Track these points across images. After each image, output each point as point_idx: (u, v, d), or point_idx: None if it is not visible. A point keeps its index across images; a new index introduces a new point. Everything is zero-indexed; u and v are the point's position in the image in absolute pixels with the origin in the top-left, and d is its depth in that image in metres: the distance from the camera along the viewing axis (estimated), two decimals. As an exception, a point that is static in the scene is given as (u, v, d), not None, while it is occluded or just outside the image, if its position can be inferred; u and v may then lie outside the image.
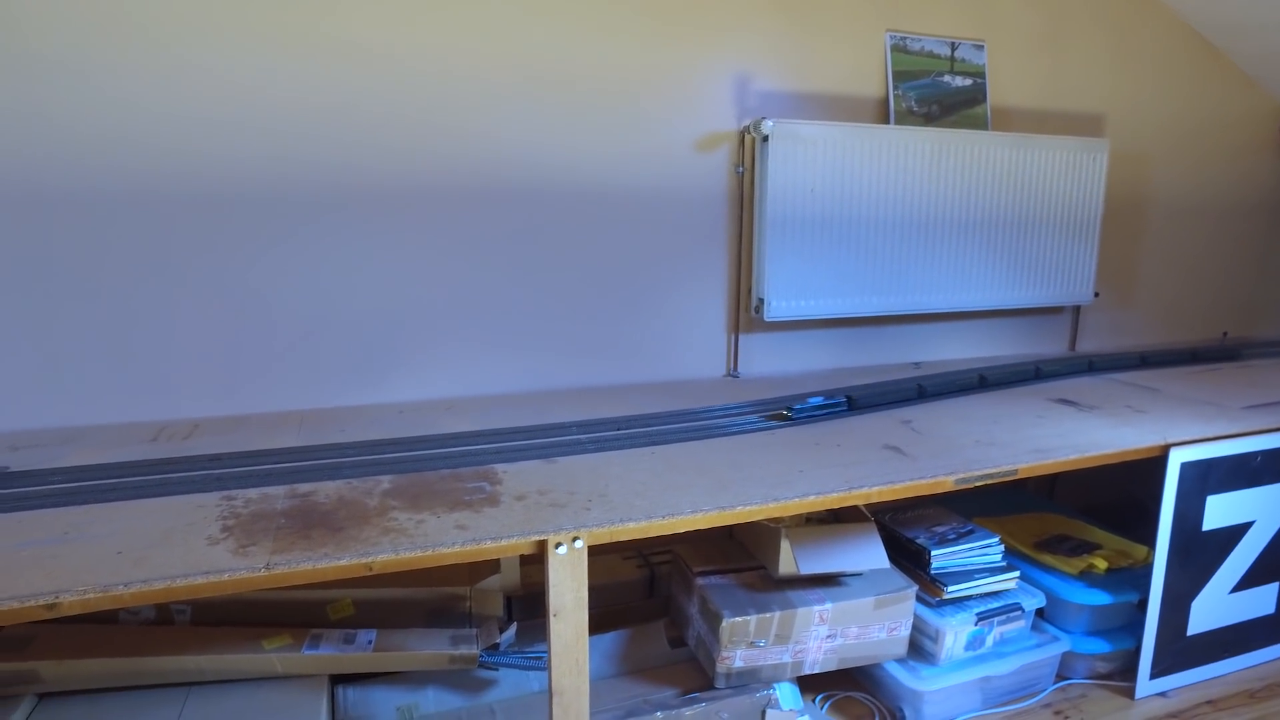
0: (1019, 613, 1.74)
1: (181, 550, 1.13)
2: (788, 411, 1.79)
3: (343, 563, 1.11)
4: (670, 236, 2.07)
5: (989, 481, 1.48)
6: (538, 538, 1.20)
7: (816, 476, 1.42)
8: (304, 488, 1.36)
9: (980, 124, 2.30)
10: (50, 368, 1.66)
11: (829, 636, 1.64)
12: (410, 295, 1.86)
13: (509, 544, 1.19)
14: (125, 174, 1.62)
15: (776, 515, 1.35)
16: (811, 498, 1.35)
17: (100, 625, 1.48)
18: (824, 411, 1.82)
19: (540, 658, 1.57)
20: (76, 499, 1.29)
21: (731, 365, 2.19)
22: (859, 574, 1.71)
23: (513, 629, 1.61)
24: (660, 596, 1.94)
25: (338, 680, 1.56)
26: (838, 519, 1.77)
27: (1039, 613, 1.84)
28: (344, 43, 1.72)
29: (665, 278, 2.08)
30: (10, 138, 1.55)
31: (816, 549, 1.67)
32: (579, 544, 1.23)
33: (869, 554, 1.67)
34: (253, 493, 1.33)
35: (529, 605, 1.80)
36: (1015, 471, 1.51)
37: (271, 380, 1.78)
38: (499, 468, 1.45)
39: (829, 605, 1.63)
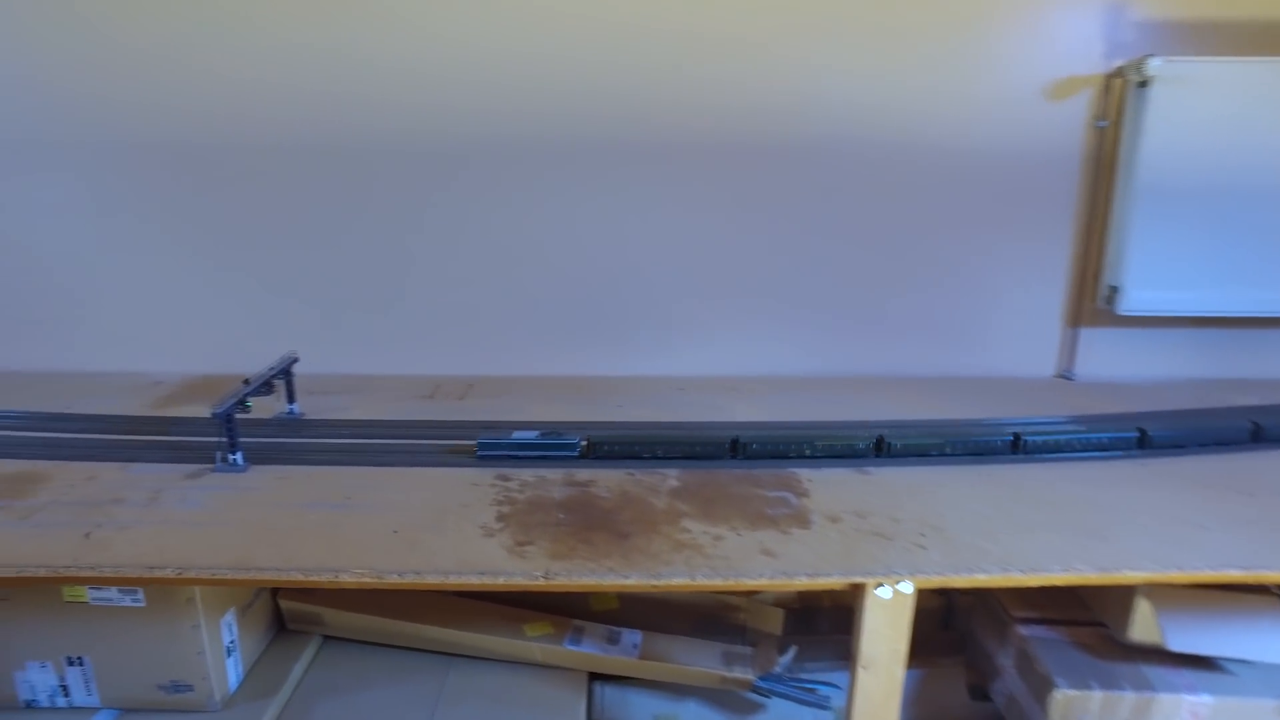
0: None
1: (455, 538, 1.01)
2: (1147, 433, 1.40)
3: (629, 581, 0.94)
4: (997, 203, 1.70)
5: None
6: (859, 579, 0.96)
7: (1228, 538, 1.05)
8: (582, 474, 1.21)
9: None
10: (340, 315, 1.66)
11: (1201, 736, 1.26)
12: (694, 259, 1.67)
13: (824, 581, 0.96)
14: (413, 125, 1.56)
15: (1172, 582, 1.01)
16: (1234, 572, 0.99)
17: (373, 581, 1.46)
18: (1209, 440, 1.40)
19: (823, 693, 1.34)
20: (359, 459, 1.24)
21: (1065, 364, 1.80)
22: (1249, 663, 1.31)
23: (791, 653, 1.40)
24: (957, 630, 1.63)
25: (595, 675, 1.43)
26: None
27: None
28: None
29: (987, 252, 1.73)
30: (325, 84, 1.54)
31: (1189, 618, 1.29)
32: (906, 588, 0.98)
33: (1273, 640, 1.26)
34: (528, 474, 1.21)
35: (805, 618, 1.57)
36: None
37: (547, 341, 1.68)
38: (803, 474, 1.23)
39: (1205, 698, 1.24)
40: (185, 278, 1.66)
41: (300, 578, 0.94)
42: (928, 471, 1.24)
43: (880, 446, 1.29)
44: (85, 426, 1.38)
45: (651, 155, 1.60)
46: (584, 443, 1.26)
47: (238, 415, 1.21)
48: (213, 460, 1.23)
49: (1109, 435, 1.38)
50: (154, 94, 1.55)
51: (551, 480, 1.19)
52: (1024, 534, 1.05)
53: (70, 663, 1.22)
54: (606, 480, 1.19)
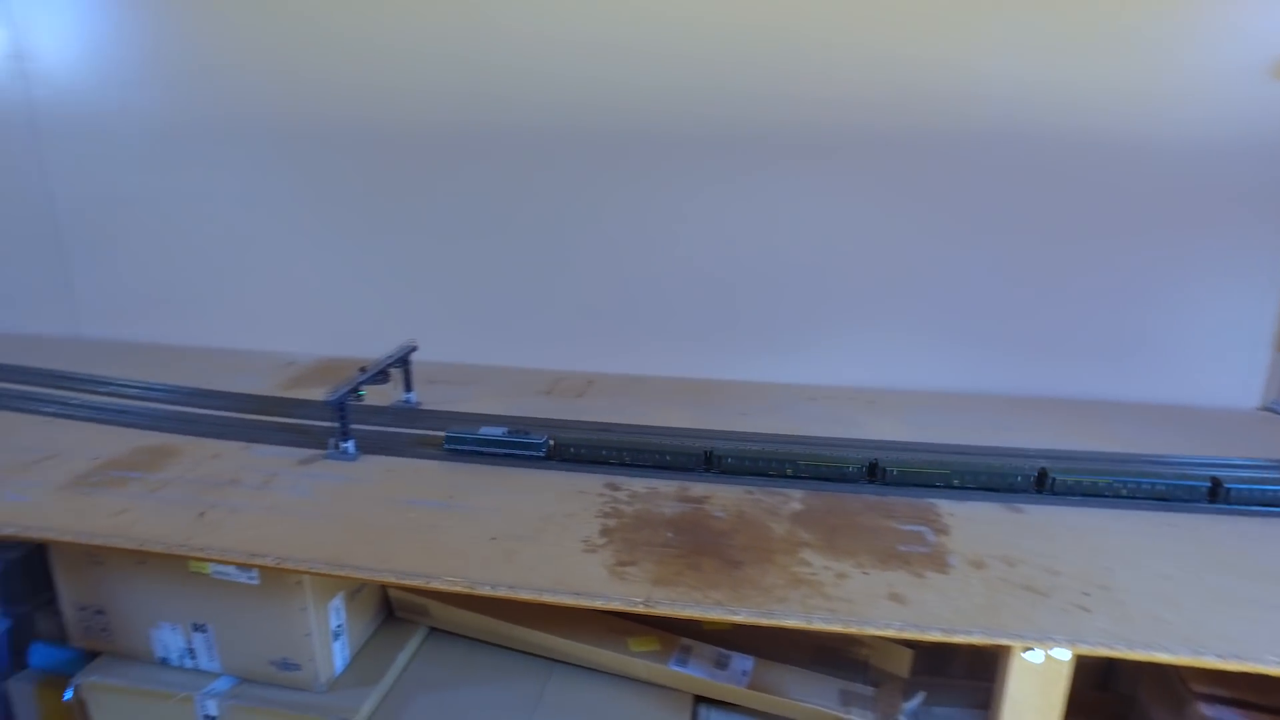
0: None
1: (555, 550, 0.95)
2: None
3: (737, 617, 0.84)
4: (1194, 200, 1.46)
5: None
6: (1005, 641, 0.82)
7: None
8: (697, 489, 1.12)
9: None
10: (465, 303, 1.65)
11: None
12: (836, 258, 1.53)
13: (962, 639, 0.83)
14: (551, 115, 1.51)
15: None
16: None
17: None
18: None
19: (953, 753, 1.20)
20: (475, 457, 1.20)
21: (1276, 395, 1.54)
22: None
23: (919, 699, 1.26)
24: (1117, 693, 1.43)
25: (700, 699, 1.34)
26: None
27: None
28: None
29: (1180, 259, 1.49)
30: (468, 74, 1.51)
31: None
32: (1062, 655, 0.83)
33: None
34: (639, 484, 1.13)
35: (936, 659, 1.42)
36: None
37: (671, 340, 1.60)
38: (942, 505, 1.08)
39: None
40: (325, 261, 1.69)
41: (393, 580, 0.91)
42: (1097, 515, 1.07)
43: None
44: (219, 403, 1.42)
45: (793, 146, 1.48)
46: (550, 442, 1.19)
47: (352, 403, 1.20)
48: (326, 446, 1.22)
49: (1332, 486, 1.14)
50: (305, 83, 1.59)
51: (664, 494, 1.11)
52: (1220, 606, 0.87)
53: (195, 628, 1.25)
54: (723, 498, 1.10)
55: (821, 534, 1.00)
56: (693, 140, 1.48)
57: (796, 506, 1.08)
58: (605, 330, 1.61)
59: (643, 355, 1.61)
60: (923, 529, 1.02)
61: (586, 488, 1.11)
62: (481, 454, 1.21)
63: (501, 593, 0.88)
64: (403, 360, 1.37)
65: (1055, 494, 1.12)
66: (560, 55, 1.48)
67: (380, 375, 1.26)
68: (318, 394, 1.45)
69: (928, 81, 1.42)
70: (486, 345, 1.66)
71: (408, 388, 1.40)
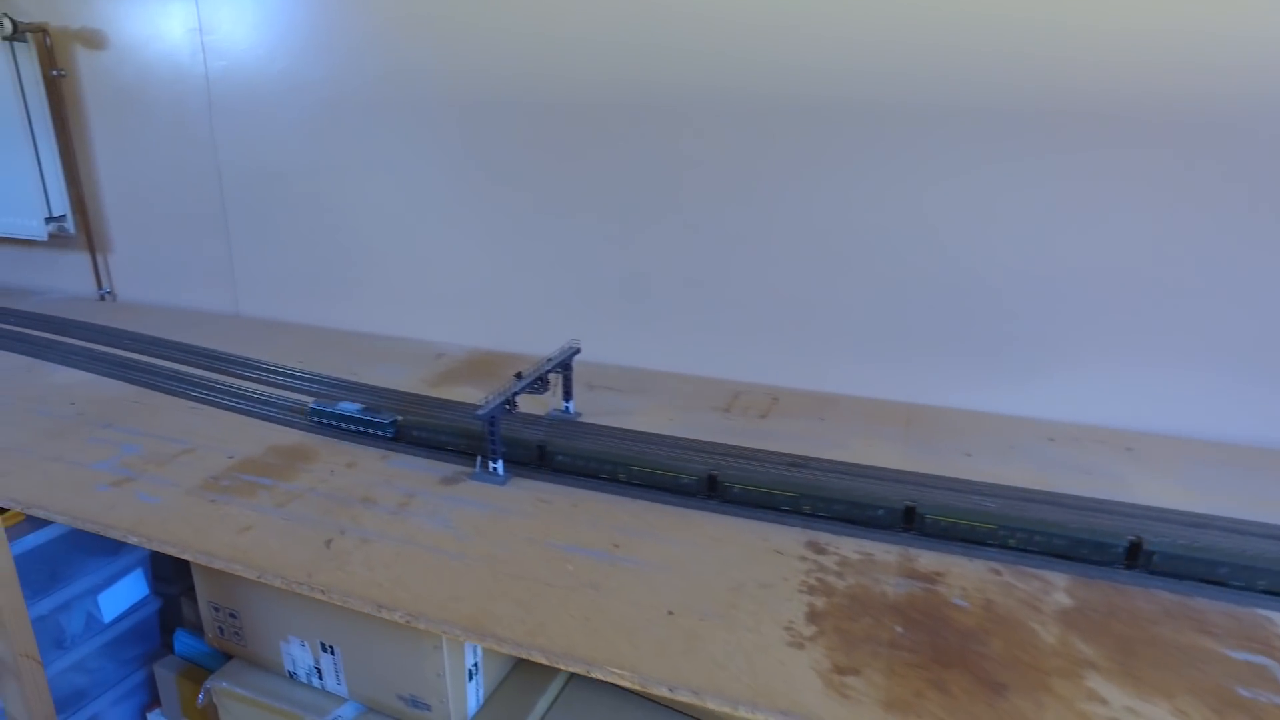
0: None
1: (750, 640, 0.73)
2: None
3: (1015, 783, 0.59)
4: None
5: None
6: None
7: None
8: (925, 559, 0.87)
9: None
10: (635, 299, 1.44)
11: None
12: (1086, 263, 1.21)
13: None
14: (739, 89, 1.27)
15: None
16: None
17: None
18: None
19: None
20: (639, 491, 1.00)
21: None
22: None
23: None
24: None
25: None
26: None
27: None
28: None
29: None
30: (636, 53, 1.31)
31: None
32: None
33: None
34: (849, 546, 0.89)
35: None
36: None
37: (874, 354, 1.33)
38: (1283, 623, 0.78)
39: None
40: (483, 245, 1.54)
41: (544, 660, 0.72)
42: None
43: None
44: (362, 398, 1.29)
45: (1041, 123, 1.17)
46: (398, 419, 1.15)
47: (505, 414, 1.02)
48: (473, 462, 1.06)
49: None
50: (473, 54, 1.43)
51: (882, 563, 0.86)
52: None
53: (324, 648, 1.13)
54: (961, 576, 0.84)
55: (1110, 650, 0.73)
56: (919, 116, 1.21)
57: (1063, 600, 0.80)
58: (796, 337, 1.36)
59: (838, 370, 1.35)
60: (1259, 658, 0.72)
61: (783, 545, 0.89)
62: (338, 429, 1.19)
63: (683, 697, 0.67)
64: (564, 365, 1.18)
65: None
66: (740, 23, 1.24)
67: (538, 383, 1.08)
68: (466, 394, 1.30)
69: (1217, 52, 1.07)
70: (656, 348, 1.45)
71: (567, 395, 1.22)
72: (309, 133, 1.62)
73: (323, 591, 0.80)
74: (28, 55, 1.80)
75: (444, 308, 1.61)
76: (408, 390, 1.33)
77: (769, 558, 0.86)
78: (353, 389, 1.34)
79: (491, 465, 1.02)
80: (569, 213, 1.45)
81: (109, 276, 2.01)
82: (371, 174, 1.59)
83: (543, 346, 1.52)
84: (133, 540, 0.92)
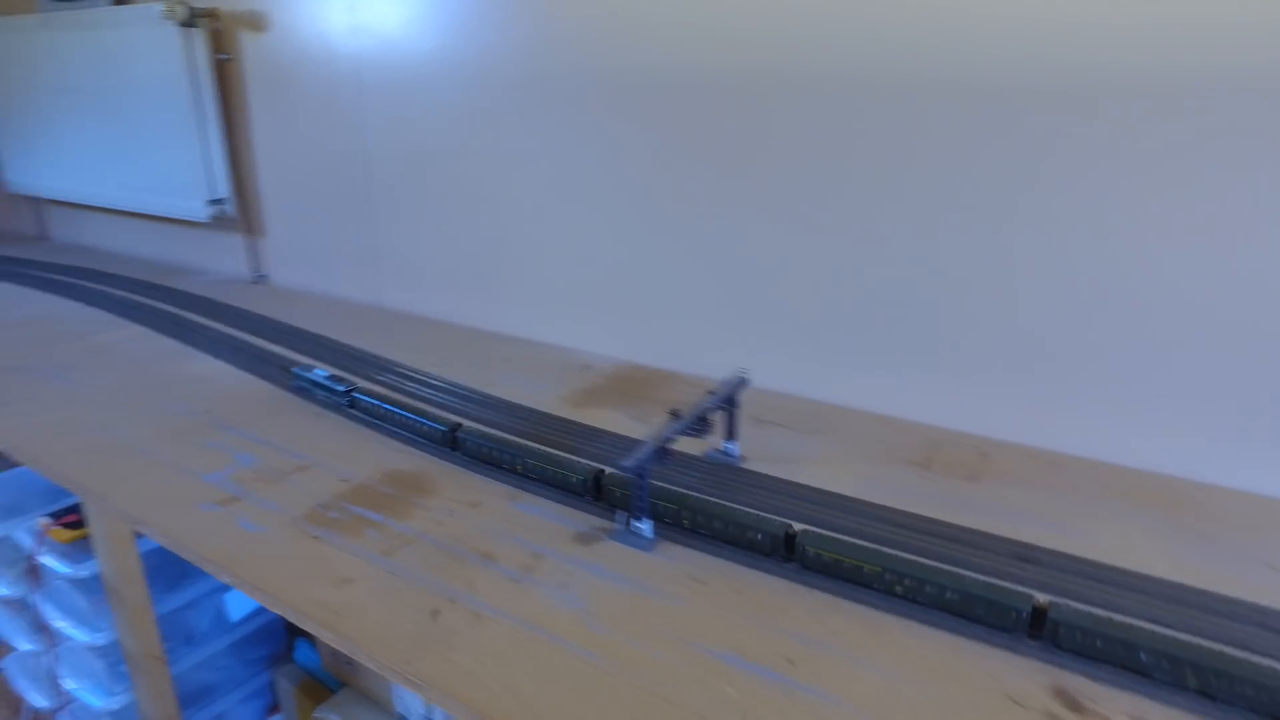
0: None
1: None
2: None
3: None
4: None
5: None
6: None
7: None
8: (1243, 744, 0.60)
9: None
10: (815, 316, 1.21)
11: None
12: None
13: None
14: (964, 59, 1.01)
15: None
16: None
17: None
18: None
19: None
20: (819, 578, 0.78)
21: None
22: None
23: None
24: None
25: None
26: None
27: None
28: None
29: None
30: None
31: None
32: None
33: None
34: (1120, 706, 0.63)
35: None
36: None
37: (1121, 409, 1.03)
38: None
39: None
40: (640, 245, 1.35)
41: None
42: None
43: None
44: (494, 419, 1.14)
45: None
46: (350, 391, 1.18)
47: (658, 464, 0.83)
48: (613, 514, 0.88)
49: None
50: (637, 31, 1.24)
51: (1173, 737, 0.60)
52: None
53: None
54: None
55: None
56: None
57: None
58: (1018, 379, 1.08)
59: (1073, 424, 1.06)
60: None
61: (1017, 688, 0.64)
62: (312, 396, 1.24)
63: None
64: (728, 400, 0.98)
65: None
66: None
67: (698, 424, 0.88)
68: (613, 421, 1.13)
69: None
70: (840, 378, 1.21)
71: (729, 434, 1.01)
72: (457, 115, 1.49)
73: (420, 684, 0.64)
74: (199, 40, 1.78)
75: (593, 313, 1.44)
76: (547, 410, 1.17)
77: (1000, 709, 0.62)
78: (485, 404, 1.19)
79: (636, 525, 0.83)
80: (743, 213, 1.23)
81: (263, 260, 1.99)
82: (521, 161, 1.44)
83: (702, 365, 1.32)
84: (226, 579, 0.80)
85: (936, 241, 1.09)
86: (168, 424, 1.15)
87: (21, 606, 1.44)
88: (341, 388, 1.19)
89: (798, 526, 0.81)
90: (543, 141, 1.40)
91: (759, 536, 0.80)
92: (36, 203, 2.66)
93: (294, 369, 1.27)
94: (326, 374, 1.23)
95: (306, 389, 1.25)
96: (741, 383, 1.01)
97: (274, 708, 1.49)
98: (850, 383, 1.20)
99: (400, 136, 1.58)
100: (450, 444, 1.04)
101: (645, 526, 0.83)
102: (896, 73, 1.05)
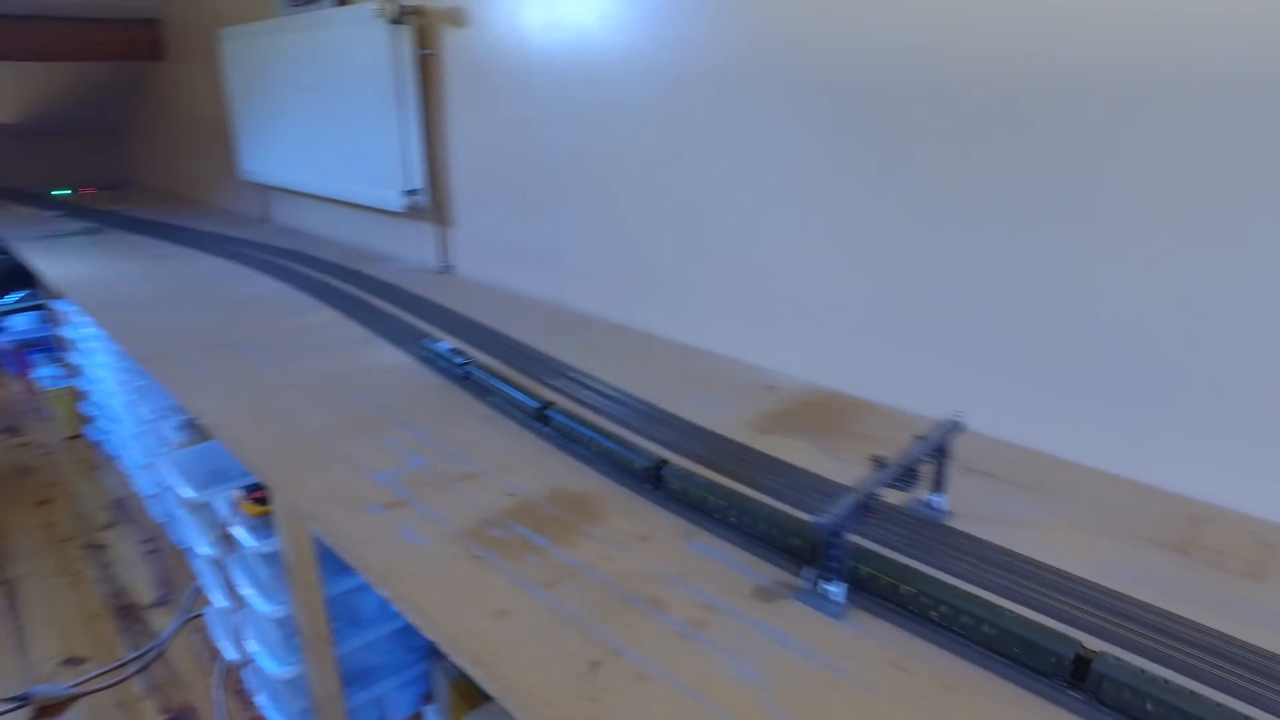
0: None
1: None
2: None
3: None
4: None
5: None
6: None
7: None
8: None
9: None
10: (1042, 345, 1.04)
11: None
12: None
13: None
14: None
15: None
16: None
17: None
18: None
19: None
20: (1043, 683, 0.64)
21: None
22: None
23: None
24: None
25: None
26: None
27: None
28: None
29: None
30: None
31: None
32: None
33: None
34: None
35: None
36: None
37: None
38: None
39: None
40: (840, 261, 1.23)
41: None
42: None
43: None
44: (670, 437, 1.06)
45: None
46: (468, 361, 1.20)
47: (858, 521, 0.72)
48: (799, 569, 0.77)
49: None
50: (861, 27, 1.11)
51: None
52: None
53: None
54: None
55: None
56: None
57: None
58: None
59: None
60: None
61: None
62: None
63: None
64: (939, 448, 0.84)
65: None
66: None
67: (906, 476, 0.76)
68: (801, 453, 1.01)
69: None
70: (1070, 425, 1.03)
71: (936, 485, 0.88)
72: (650, 114, 1.42)
73: (572, 753, 0.57)
74: (405, 36, 1.83)
75: (782, 329, 1.33)
76: (729, 435, 1.07)
77: None
78: (661, 421, 1.12)
79: (824, 587, 0.72)
80: (968, 225, 1.08)
81: (450, 250, 2.02)
82: (713, 163, 1.35)
83: (903, 397, 1.18)
84: (384, 593, 0.77)
85: (1228, 274, 0.89)
86: (348, 415, 1.16)
87: (219, 566, 1.53)
88: (460, 359, 1.26)
89: (1094, 647, 0.64)
90: (742, 144, 1.30)
91: (972, 621, 0.67)
92: (263, 189, 2.88)
93: (427, 341, 1.32)
94: (449, 347, 1.31)
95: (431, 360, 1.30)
96: (955, 427, 0.87)
97: (429, 697, 1.49)
98: (1084, 435, 1.02)
99: (590, 133, 1.54)
100: (654, 481, 0.92)
101: (837, 591, 0.72)
102: (1179, 70, 0.87)
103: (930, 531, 0.84)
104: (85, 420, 2.65)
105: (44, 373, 2.84)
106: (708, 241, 1.40)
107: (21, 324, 3.23)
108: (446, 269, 2.04)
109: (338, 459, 1.02)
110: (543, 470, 0.99)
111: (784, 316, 1.32)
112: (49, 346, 3.04)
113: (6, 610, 1.89)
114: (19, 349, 3.20)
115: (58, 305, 2.36)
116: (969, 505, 0.90)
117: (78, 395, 2.62)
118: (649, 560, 0.80)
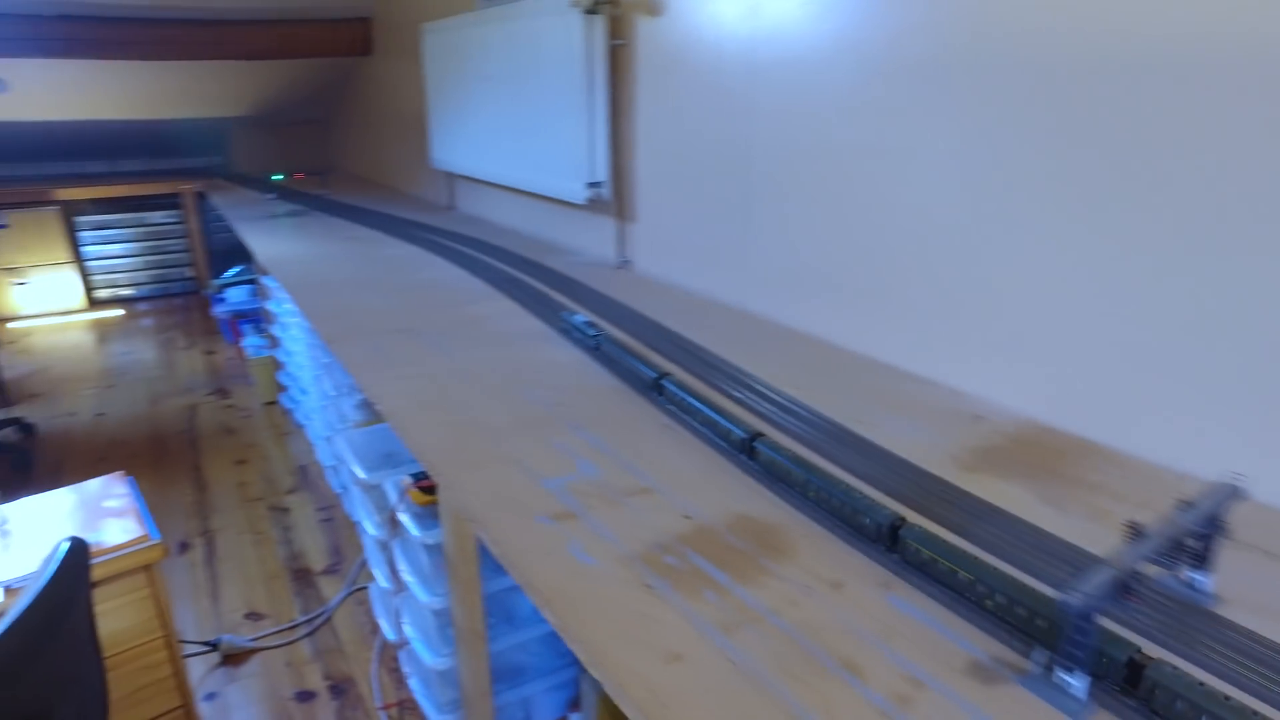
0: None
1: None
2: None
3: None
4: None
5: None
6: None
7: None
8: None
9: None
10: None
11: None
12: None
13: None
14: None
15: None
16: None
17: None
18: None
19: None
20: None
21: None
22: None
23: None
24: None
25: None
26: None
27: None
28: None
29: None
30: None
31: None
32: None
33: None
34: None
35: None
36: None
37: None
38: None
39: None
40: (1070, 279, 1.06)
41: None
42: None
43: None
44: (856, 462, 0.95)
45: None
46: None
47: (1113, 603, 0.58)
48: (1026, 646, 0.64)
49: None
50: (1093, 23, 0.95)
51: None
52: None
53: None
54: None
55: None
56: None
57: None
58: None
59: None
60: None
61: None
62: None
63: None
64: (1211, 521, 0.68)
65: None
66: None
67: (1170, 552, 0.62)
68: (1016, 499, 0.87)
69: None
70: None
71: (1201, 560, 0.72)
72: (856, 109, 1.30)
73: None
74: (598, 26, 1.80)
75: (992, 350, 1.17)
76: (929, 469, 0.95)
77: None
78: (856, 448, 1.00)
79: (1063, 677, 0.59)
80: (1221, 241, 0.89)
81: (629, 246, 1.98)
82: (923, 164, 1.21)
83: (1144, 441, 1.00)
84: (548, 616, 0.71)
85: None
86: (520, 412, 1.12)
87: (384, 548, 1.56)
88: (591, 331, 1.26)
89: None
90: (955, 145, 1.16)
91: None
92: (450, 177, 2.98)
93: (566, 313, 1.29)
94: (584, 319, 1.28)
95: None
96: (1232, 493, 0.70)
97: (576, 703, 1.46)
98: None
99: (788, 129, 1.44)
100: (886, 541, 0.78)
101: (1078, 684, 0.59)
102: None
103: (1190, 617, 0.69)
104: (281, 388, 2.84)
105: (251, 342, 3.08)
106: (912, 249, 1.26)
107: (237, 296, 3.53)
108: (624, 264, 2.00)
109: (507, 459, 0.98)
110: (723, 491, 0.91)
111: (996, 336, 1.16)
112: (257, 318, 3.29)
113: (206, 559, 2.04)
114: (234, 319, 3.51)
115: (265, 280, 2.53)
116: (1242, 589, 0.73)
117: (277, 365, 2.81)
118: (843, 612, 0.70)
